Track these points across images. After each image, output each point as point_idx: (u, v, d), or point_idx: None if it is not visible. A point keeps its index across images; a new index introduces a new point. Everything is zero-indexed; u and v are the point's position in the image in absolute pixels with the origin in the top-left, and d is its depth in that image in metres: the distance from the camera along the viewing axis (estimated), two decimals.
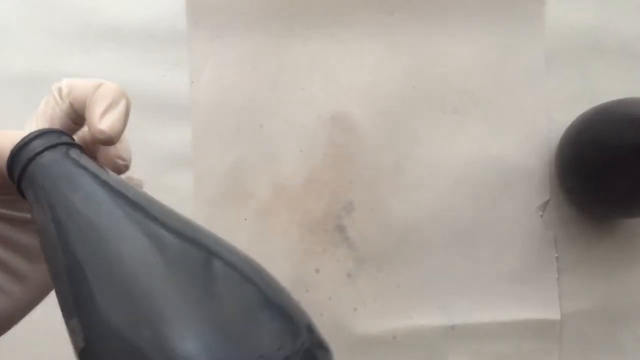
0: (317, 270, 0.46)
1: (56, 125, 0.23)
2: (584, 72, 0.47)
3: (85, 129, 0.24)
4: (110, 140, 0.21)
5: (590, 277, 0.46)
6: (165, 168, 0.46)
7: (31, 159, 0.21)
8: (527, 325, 0.45)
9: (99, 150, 0.23)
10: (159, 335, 0.17)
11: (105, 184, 0.20)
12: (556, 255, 0.46)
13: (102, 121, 0.21)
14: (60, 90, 0.23)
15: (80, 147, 0.22)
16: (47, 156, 0.21)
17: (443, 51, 0.47)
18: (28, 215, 0.23)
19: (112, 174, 0.22)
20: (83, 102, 0.22)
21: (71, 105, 0.22)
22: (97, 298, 0.18)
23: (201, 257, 0.20)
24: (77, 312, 0.18)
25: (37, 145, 0.21)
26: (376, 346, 0.45)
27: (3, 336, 0.22)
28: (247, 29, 0.47)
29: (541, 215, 0.46)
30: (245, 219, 0.46)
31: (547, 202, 0.46)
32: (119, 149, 0.23)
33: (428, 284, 0.46)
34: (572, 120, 0.45)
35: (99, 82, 0.22)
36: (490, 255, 0.46)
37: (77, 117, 0.23)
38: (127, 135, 0.23)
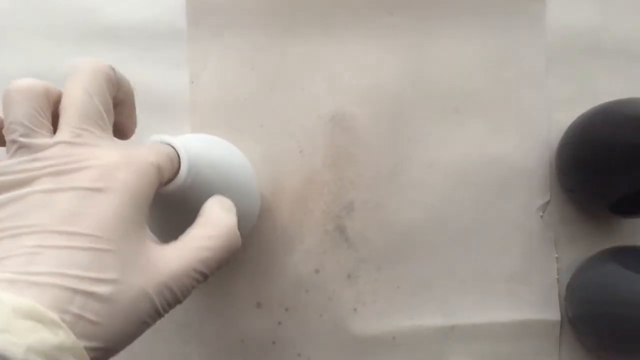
0: (317, 271, 0.46)
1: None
2: (585, 72, 0.47)
3: None
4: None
5: None
6: None
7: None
8: (527, 325, 0.45)
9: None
10: None
11: None
12: (556, 255, 0.46)
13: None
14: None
15: None
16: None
17: (443, 51, 0.47)
18: None
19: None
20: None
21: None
22: None
23: None
24: None
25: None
26: (376, 346, 0.45)
27: None
28: (247, 29, 0.47)
29: (541, 216, 0.46)
30: None
31: (547, 203, 0.46)
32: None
33: (428, 284, 0.46)
34: (572, 120, 0.45)
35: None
36: (490, 256, 0.46)
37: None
38: None
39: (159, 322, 0.45)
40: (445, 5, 0.47)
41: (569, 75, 0.47)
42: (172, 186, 0.29)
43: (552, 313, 0.45)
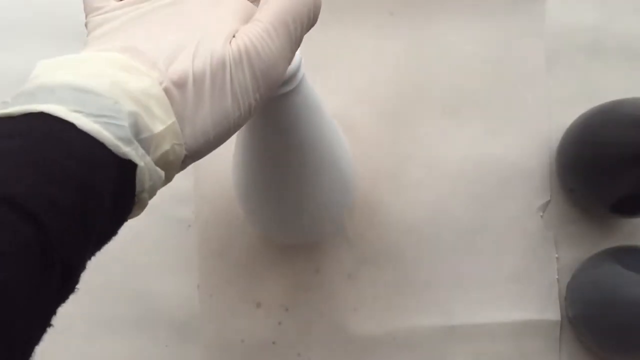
0: (317, 270, 0.46)
1: None
2: (585, 72, 0.47)
3: None
4: None
5: None
6: None
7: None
8: (527, 325, 0.45)
9: None
10: None
11: None
12: (556, 255, 0.46)
13: None
14: None
15: None
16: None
17: (443, 51, 0.47)
18: None
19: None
20: None
21: None
22: None
23: None
24: None
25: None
26: (376, 347, 0.45)
27: None
28: None
29: (541, 216, 0.46)
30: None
31: (547, 203, 0.46)
32: None
33: (428, 284, 0.46)
34: (572, 120, 0.45)
35: None
36: (490, 255, 0.46)
37: None
38: None
39: (159, 322, 0.45)
40: (445, 5, 0.47)
41: (569, 75, 0.47)
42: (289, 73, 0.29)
43: (552, 313, 0.45)
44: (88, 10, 0.25)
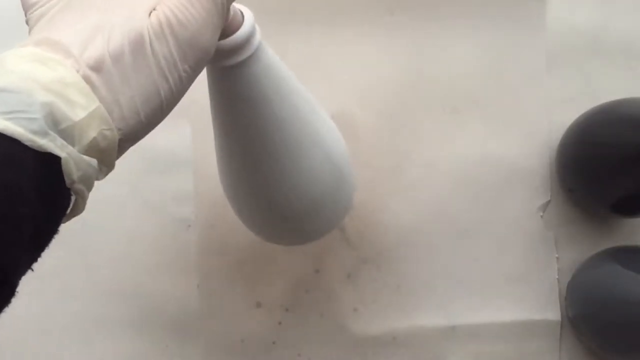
0: (317, 271, 0.46)
1: None
2: (585, 72, 0.47)
3: None
4: None
5: None
6: (165, 168, 0.46)
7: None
8: (528, 325, 0.45)
9: None
10: None
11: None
12: (556, 255, 0.46)
13: None
14: None
15: None
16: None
17: (443, 51, 0.47)
18: None
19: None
20: None
21: None
22: None
23: None
24: None
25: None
26: (376, 346, 0.45)
27: None
28: None
29: (541, 216, 0.46)
30: None
31: (547, 203, 0.46)
32: None
33: (428, 284, 0.46)
34: (572, 120, 0.45)
35: None
36: (490, 255, 0.46)
37: None
38: None
39: (159, 322, 0.45)
40: (445, 5, 0.47)
41: (569, 75, 0.47)
42: (233, 41, 0.27)
43: (553, 313, 0.45)
44: (26, 8, 0.25)
